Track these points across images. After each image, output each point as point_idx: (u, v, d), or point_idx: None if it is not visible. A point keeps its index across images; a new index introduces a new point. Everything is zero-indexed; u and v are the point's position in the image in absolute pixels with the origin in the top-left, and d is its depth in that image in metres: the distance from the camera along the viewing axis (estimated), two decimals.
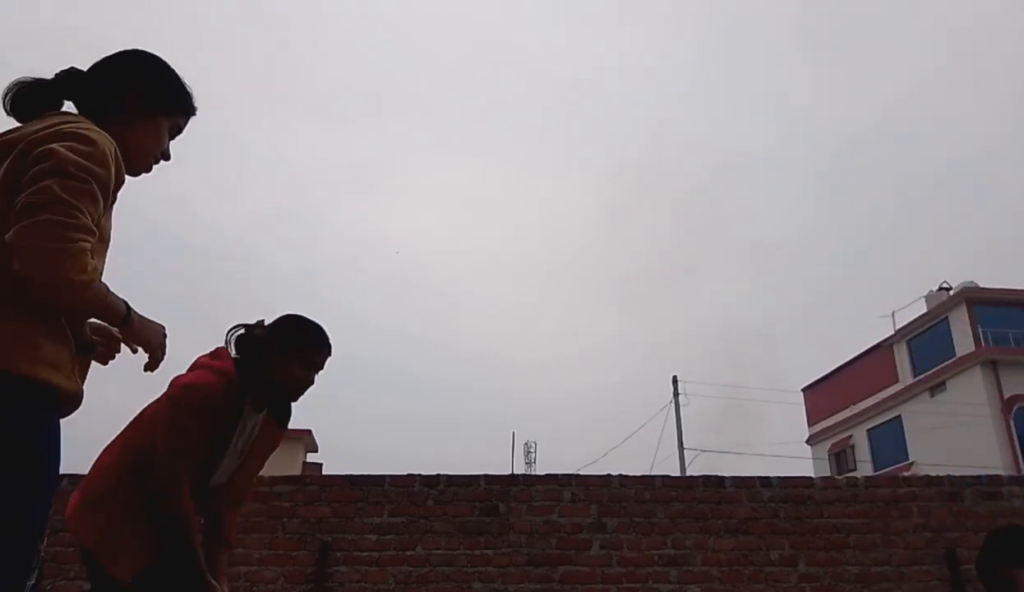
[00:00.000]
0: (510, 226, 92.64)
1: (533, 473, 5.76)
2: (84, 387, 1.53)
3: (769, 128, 78.28)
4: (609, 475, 4.76)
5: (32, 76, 1.54)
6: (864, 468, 28.55)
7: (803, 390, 34.62)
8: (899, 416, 29.01)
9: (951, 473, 5.05)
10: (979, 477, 4.95)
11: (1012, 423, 25.12)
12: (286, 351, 2.16)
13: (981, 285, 28.44)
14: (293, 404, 2.30)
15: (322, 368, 2.25)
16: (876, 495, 4.76)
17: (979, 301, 27.57)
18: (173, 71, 1.69)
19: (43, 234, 1.29)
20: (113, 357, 1.76)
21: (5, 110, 1.53)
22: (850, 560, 4.57)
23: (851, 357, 32.56)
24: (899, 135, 66.15)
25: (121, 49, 1.65)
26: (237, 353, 2.18)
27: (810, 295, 64.61)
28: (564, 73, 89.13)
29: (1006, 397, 25.50)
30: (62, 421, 1.51)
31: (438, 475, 4.70)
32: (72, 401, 1.50)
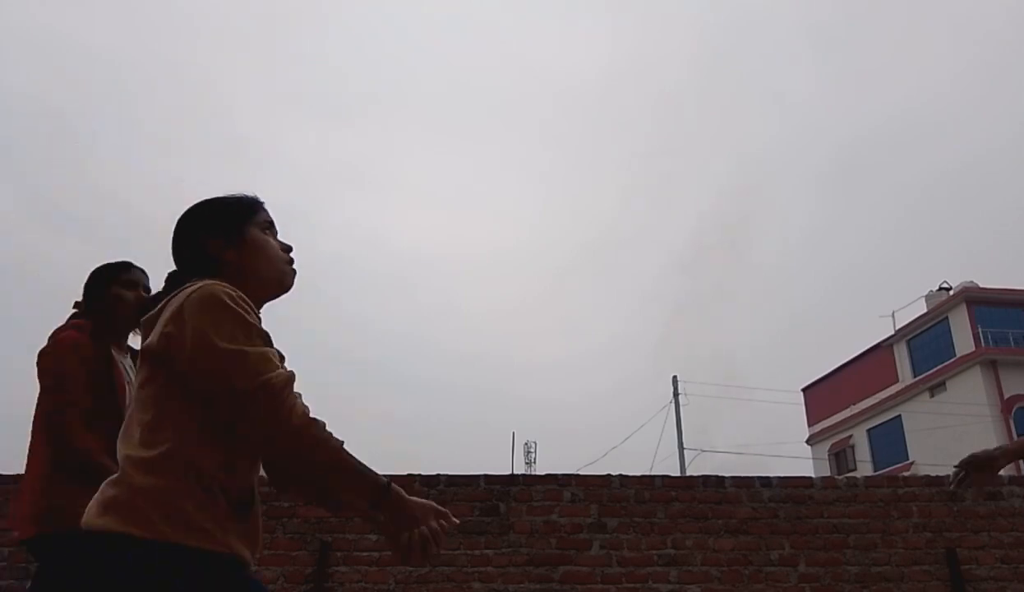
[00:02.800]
0: (511, 226, 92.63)
1: (533, 473, 5.76)
2: (250, 550, 1.43)
3: (771, 129, 78.21)
4: (609, 475, 4.76)
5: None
6: (864, 468, 28.55)
7: (803, 390, 34.62)
8: (899, 416, 29.00)
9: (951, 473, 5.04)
10: None
11: (1012, 423, 25.12)
12: (108, 287, 2.44)
13: (981, 285, 28.45)
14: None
15: (146, 286, 2.52)
16: (876, 495, 4.75)
17: (979, 301, 27.57)
18: (217, 198, 1.66)
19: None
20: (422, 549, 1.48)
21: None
22: (850, 560, 4.57)
23: (851, 357, 32.56)
24: (900, 136, 66.17)
25: (174, 226, 1.65)
26: (79, 315, 2.45)
27: (810, 295, 64.58)
28: (567, 72, 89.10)
29: (1006, 397, 25.50)
30: None
31: (438, 475, 4.69)
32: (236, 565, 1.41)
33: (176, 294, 1.46)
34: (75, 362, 2.25)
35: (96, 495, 1.40)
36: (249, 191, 1.68)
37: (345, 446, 1.40)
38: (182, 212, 1.64)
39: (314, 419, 1.38)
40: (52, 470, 2.19)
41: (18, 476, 4.55)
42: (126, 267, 2.49)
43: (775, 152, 74.86)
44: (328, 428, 1.39)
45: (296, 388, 1.39)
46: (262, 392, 1.34)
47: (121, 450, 1.42)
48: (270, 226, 1.65)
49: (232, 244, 1.57)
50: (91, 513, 1.38)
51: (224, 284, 1.44)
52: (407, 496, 1.42)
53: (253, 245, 1.59)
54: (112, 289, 2.43)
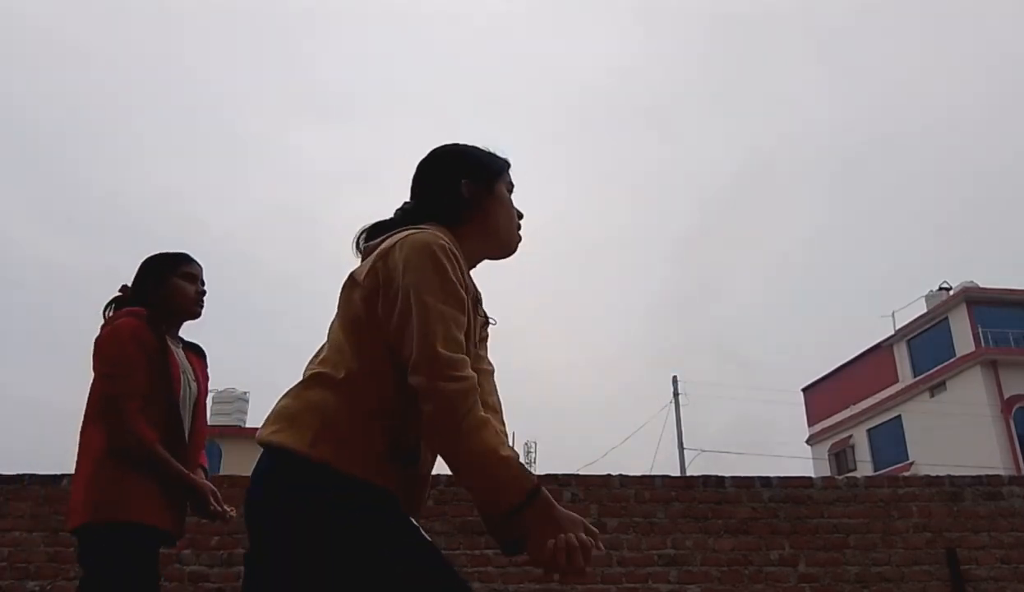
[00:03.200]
0: None
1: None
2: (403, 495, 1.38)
3: (774, 129, 78.28)
4: (609, 475, 4.76)
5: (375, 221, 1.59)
6: (864, 468, 28.54)
7: (803, 390, 34.62)
8: (899, 416, 28.99)
9: (951, 473, 5.04)
10: (979, 477, 4.94)
11: (1012, 423, 25.11)
12: (167, 278, 2.42)
13: (981, 285, 28.44)
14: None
15: (202, 279, 2.50)
16: (876, 495, 4.75)
17: (979, 301, 27.56)
18: (477, 147, 1.66)
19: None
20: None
21: (357, 251, 1.56)
22: (850, 560, 4.56)
23: (851, 357, 32.55)
24: (902, 139, 66.20)
25: (421, 160, 1.63)
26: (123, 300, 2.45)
27: (811, 295, 64.64)
28: (570, 74, 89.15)
29: (1006, 397, 25.49)
30: None
31: (438, 475, 4.69)
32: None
33: (399, 232, 1.45)
34: (135, 348, 2.25)
35: (275, 404, 1.42)
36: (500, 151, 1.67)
37: (503, 448, 1.29)
38: (439, 147, 1.63)
39: (476, 427, 1.28)
40: (107, 457, 2.20)
41: (19, 476, 4.55)
42: (186, 259, 2.48)
43: (779, 152, 74.91)
44: (490, 429, 1.30)
45: (468, 395, 1.29)
46: (428, 368, 1.28)
47: (309, 365, 1.44)
48: (512, 189, 1.65)
49: (485, 193, 1.57)
50: (264, 423, 1.40)
51: (443, 237, 1.42)
52: (555, 503, 1.33)
53: (500, 200, 1.59)
54: (173, 280, 2.42)
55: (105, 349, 2.27)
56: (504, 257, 1.64)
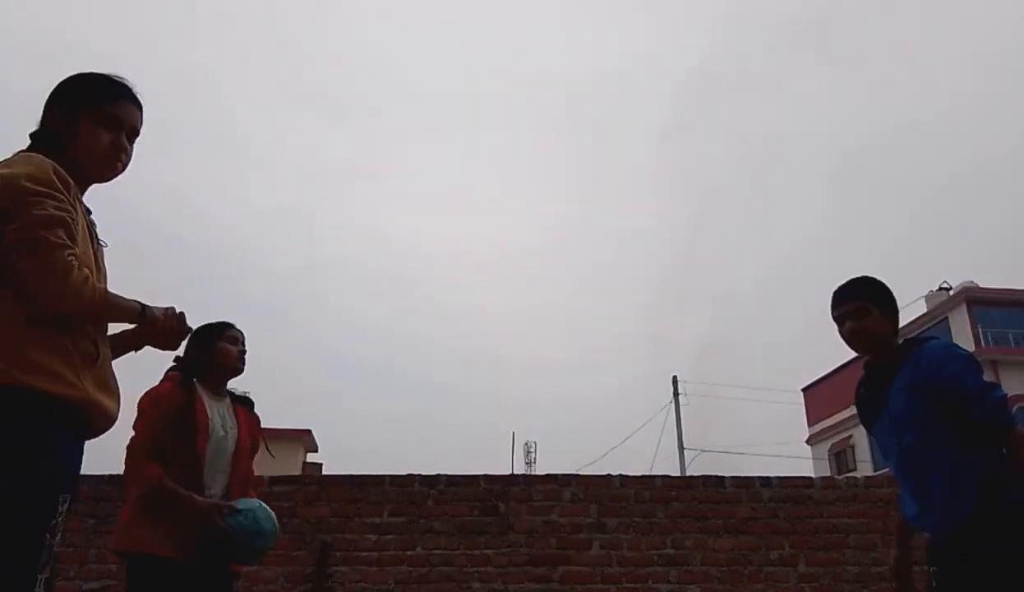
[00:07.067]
0: (513, 227, 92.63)
1: (533, 473, 5.75)
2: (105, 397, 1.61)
3: (777, 129, 78.19)
4: (609, 475, 4.76)
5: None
6: (864, 468, 28.52)
7: (803, 390, 34.61)
8: None
9: None
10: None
11: None
12: (213, 343, 2.80)
13: (981, 285, 28.43)
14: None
15: (244, 341, 2.90)
16: (876, 495, 4.75)
17: (979, 301, 27.54)
18: (90, 73, 1.72)
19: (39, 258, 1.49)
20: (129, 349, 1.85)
21: None
22: (850, 560, 4.57)
23: (851, 357, 32.54)
24: (903, 140, 66.19)
25: None
26: (179, 368, 2.80)
27: (811, 295, 64.60)
28: (572, 72, 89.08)
29: None
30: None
31: (438, 475, 4.70)
32: (89, 410, 1.57)
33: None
34: (154, 408, 2.61)
35: None
36: (125, 81, 1.76)
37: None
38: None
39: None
40: (136, 499, 2.55)
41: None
42: (229, 325, 2.89)
43: (780, 153, 74.89)
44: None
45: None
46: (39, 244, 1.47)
47: None
48: (111, 120, 1.70)
49: (68, 120, 1.68)
50: None
51: (31, 163, 1.54)
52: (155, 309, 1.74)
53: (82, 130, 1.67)
54: (218, 344, 2.81)
55: (138, 407, 2.64)
56: (99, 181, 1.73)
